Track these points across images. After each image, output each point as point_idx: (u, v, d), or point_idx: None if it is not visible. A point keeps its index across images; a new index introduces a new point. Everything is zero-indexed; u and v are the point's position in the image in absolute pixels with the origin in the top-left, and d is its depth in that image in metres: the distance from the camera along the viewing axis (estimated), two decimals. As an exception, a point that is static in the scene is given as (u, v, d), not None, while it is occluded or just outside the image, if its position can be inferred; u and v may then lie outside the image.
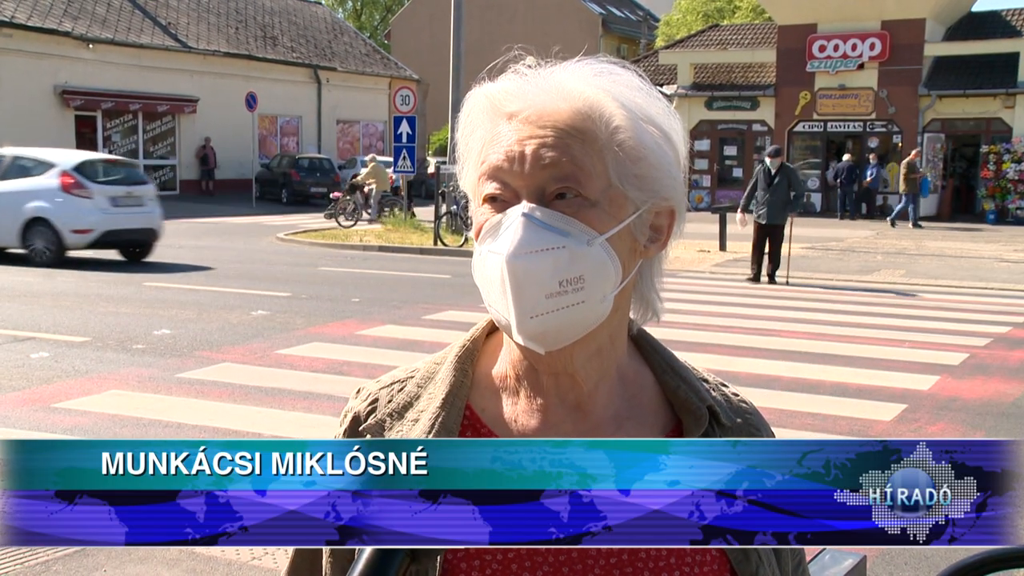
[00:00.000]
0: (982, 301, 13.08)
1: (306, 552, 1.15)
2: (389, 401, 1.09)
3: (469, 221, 18.04)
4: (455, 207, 20.20)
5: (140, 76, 31.94)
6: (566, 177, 0.98)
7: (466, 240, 19.28)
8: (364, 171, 25.37)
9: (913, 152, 26.22)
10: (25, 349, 8.90)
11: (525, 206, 0.98)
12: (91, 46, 30.44)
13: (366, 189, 24.74)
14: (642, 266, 1.06)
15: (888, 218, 25.92)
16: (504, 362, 1.09)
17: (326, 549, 1.10)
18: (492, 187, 1.01)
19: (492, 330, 1.13)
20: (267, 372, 8.20)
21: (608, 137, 1.00)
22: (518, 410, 1.07)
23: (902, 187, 25.39)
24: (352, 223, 23.25)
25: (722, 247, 18.53)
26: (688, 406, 1.08)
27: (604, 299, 1.00)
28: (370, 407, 1.10)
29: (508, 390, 1.08)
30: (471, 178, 1.05)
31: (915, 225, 25.05)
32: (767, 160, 13.97)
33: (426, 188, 32.63)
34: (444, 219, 19.94)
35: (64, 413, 6.82)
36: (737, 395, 1.16)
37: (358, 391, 1.14)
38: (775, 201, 13.62)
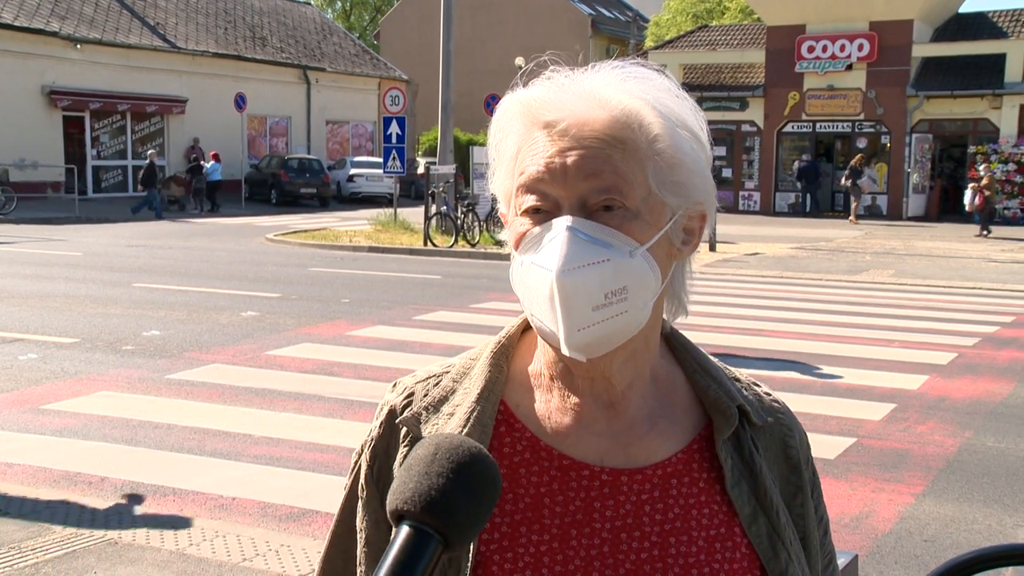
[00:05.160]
0: (970, 301, 13.14)
1: (340, 541, 1.16)
2: (425, 395, 1.11)
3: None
4: (444, 207, 20.19)
5: (128, 76, 31.83)
6: (609, 188, 0.99)
7: (455, 241, 19.28)
8: None
9: None
10: (13, 351, 8.85)
11: (569, 219, 0.98)
12: (79, 46, 30.33)
13: None
14: (674, 266, 1.07)
15: None
16: (539, 360, 1.11)
17: (360, 538, 1.12)
18: (532, 199, 1.01)
19: (527, 327, 1.14)
20: (257, 373, 8.18)
21: (648, 146, 1.00)
22: (552, 407, 1.08)
23: None
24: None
25: (712, 248, 18.58)
26: (718, 405, 1.09)
27: (645, 306, 1.01)
28: (406, 400, 1.11)
29: (542, 387, 1.10)
30: (505, 184, 1.06)
31: None
32: None
33: (415, 189, 32.60)
34: (434, 220, 19.93)
35: (53, 415, 6.80)
36: (769, 395, 1.17)
37: (394, 385, 1.15)
38: None
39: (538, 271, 0.98)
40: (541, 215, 1.01)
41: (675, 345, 1.15)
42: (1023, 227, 26.42)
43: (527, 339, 1.14)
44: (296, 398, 7.38)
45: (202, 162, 29.17)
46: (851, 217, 27.03)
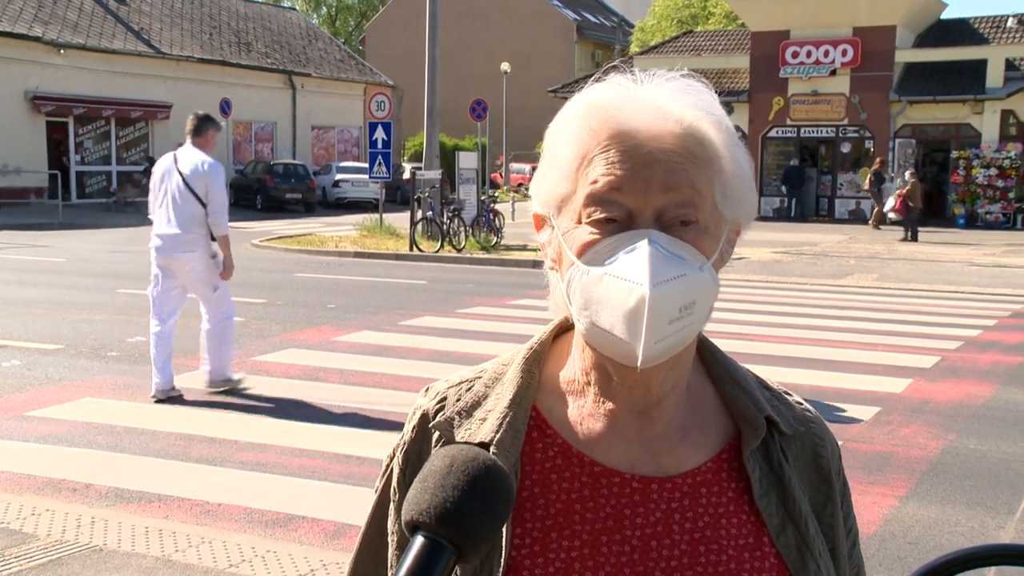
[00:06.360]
0: (953, 305, 13.22)
1: (371, 543, 1.17)
2: (457, 400, 1.11)
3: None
4: (430, 213, 20.18)
5: (112, 82, 31.71)
6: (686, 203, 1.00)
7: (441, 246, 19.27)
8: None
9: None
10: (-3, 357, 8.80)
11: (651, 232, 0.98)
12: (62, 51, 30.19)
13: None
14: None
15: None
16: (572, 367, 1.11)
17: (392, 540, 1.13)
18: (605, 210, 1.00)
19: (558, 334, 1.15)
20: (243, 379, 8.15)
21: (716, 161, 1.02)
22: (584, 413, 1.09)
23: None
24: None
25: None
26: (746, 415, 1.10)
27: (706, 318, 1.03)
28: (438, 405, 1.12)
29: (575, 393, 1.10)
30: (558, 187, 1.05)
31: None
32: None
33: (401, 194, 32.57)
34: (419, 225, 19.92)
35: (38, 421, 6.76)
36: (801, 404, 1.17)
37: (426, 389, 1.16)
38: None
39: (620, 283, 0.97)
40: (613, 225, 1.00)
41: (705, 354, 1.15)
42: (1005, 231, 26.63)
43: (559, 345, 1.14)
44: (282, 403, 7.36)
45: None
46: (871, 221, 26.99)
